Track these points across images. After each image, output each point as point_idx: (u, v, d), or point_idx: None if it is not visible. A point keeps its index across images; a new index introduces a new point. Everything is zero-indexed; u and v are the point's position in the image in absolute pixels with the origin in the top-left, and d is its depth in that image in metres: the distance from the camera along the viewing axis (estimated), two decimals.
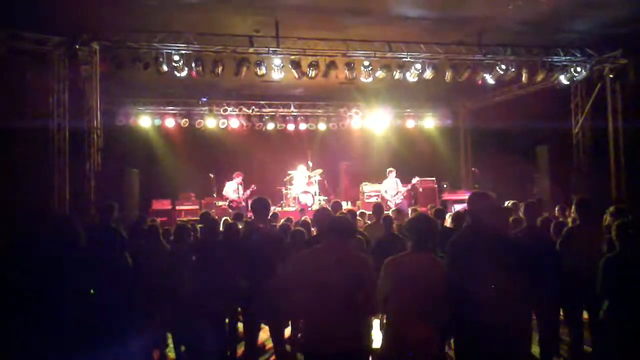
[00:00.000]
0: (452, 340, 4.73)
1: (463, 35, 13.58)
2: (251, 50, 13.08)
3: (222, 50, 12.99)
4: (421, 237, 4.58)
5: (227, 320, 7.13)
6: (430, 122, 21.58)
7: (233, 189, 16.36)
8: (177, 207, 16.78)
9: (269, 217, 7.88)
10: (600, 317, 5.47)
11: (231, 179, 16.56)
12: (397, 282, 4.41)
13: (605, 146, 15.05)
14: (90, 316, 5.48)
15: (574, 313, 6.88)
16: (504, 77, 14.44)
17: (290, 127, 20.22)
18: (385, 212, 9.95)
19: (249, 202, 13.93)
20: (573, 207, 7.39)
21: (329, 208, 9.29)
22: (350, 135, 20.76)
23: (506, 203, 10.24)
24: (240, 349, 7.33)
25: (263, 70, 13.30)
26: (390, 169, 16.84)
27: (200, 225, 8.61)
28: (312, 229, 8.60)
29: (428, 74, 14.08)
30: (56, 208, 11.84)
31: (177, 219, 15.48)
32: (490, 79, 14.52)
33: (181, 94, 18.42)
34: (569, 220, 8.90)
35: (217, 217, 14.35)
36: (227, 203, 16.32)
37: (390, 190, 16.65)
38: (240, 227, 7.83)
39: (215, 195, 17.36)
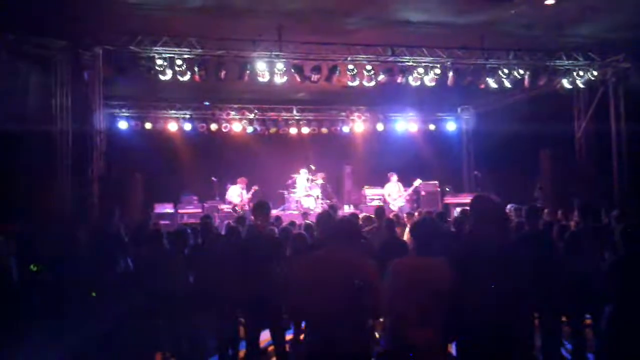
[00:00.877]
0: (455, 343, 4.71)
1: (466, 40, 13.59)
2: (254, 54, 13.10)
3: (224, 55, 13.02)
4: (425, 240, 4.58)
5: (228, 323, 7.12)
6: (432, 126, 21.56)
7: (237, 193, 16.36)
8: (180, 211, 16.76)
9: (272, 220, 7.90)
10: (603, 322, 5.45)
11: (234, 183, 16.56)
12: (402, 285, 4.40)
13: (608, 150, 15.04)
14: (91, 318, 5.50)
15: (577, 318, 6.85)
16: (506, 81, 14.45)
17: (293, 130, 20.21)
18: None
19: (252, 205, 13.93)
20: (576, 211, 7.38)
21: (332, 211, 9.29)
22: (353, 138, 20.74)
23: (508, 207, 10.26)
24: (242, 351, 7.31)
25: (266, 74, 13.31)
26: (391, 173, 16.85)
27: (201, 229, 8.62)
28: (315, 233, 8.59)
29: (430, 78, 14.10)
30: (59, 212, 11.83)
31: (180, 222, 15.47)
32: (492, 83, 14.54)
33: (184, 98, 18.44)
34: (572, 224, 8.89)
35: (219, 220, 14.40)
36: (230, 207, 16.33)
37: (393, 194, 16.65)
38: (242, 230, 7.84)
39: (218, 198, 17.36)
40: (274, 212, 13.87)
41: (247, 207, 15.86)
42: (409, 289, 4.36)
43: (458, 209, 14.59)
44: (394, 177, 16.81)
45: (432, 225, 4.78)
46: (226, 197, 16.67)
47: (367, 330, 4.54)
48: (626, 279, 5.18)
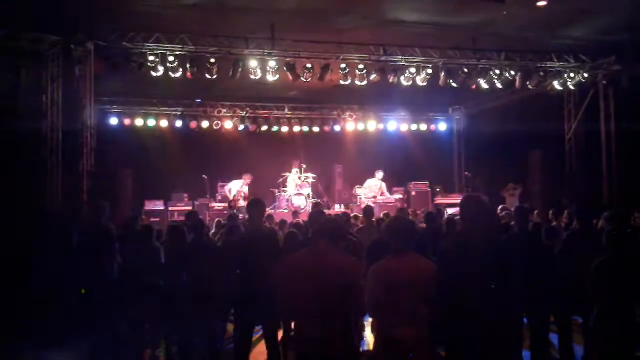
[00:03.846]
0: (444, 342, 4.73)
1: (458, 40, 13.63)
2: (246, 51, 13.09)
3: (217, 52, 13.00)
4: (399, 239, 4.58)
5: (220, 320, 7.11)
6: (424, 126, 21.58)
7: (237, 186, 16.39)
8: (170, 208, 16.74)
9: (264, 218, 7.87)
10: (590, 321, 5.49)
11: (239, 177, 16.61)
12: (384, 287, 4.39)
13: (598, 151, 15.14)
14: (80, 314, 5.48)
15: (565, 317, 6.88)
16: (498, 82, 14.50)
17: (284, 129, 20.18)
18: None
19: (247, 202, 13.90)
20: (566, 212, 7.42)
21: (323, 210, 9.30)
22: (344, 138, 20.72)
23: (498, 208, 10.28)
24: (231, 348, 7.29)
25: (258, 72, 13.30)
26: (378, 170, 17.04)
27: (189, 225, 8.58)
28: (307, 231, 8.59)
29: (422, 78, 14.13)
30: (49, 208, 11.78)
31: (170, 219, 15.45)
32: (484, 84, 14.59)
33: (175, 95, 18.38)
34: (561, 225, 8.92)
35: (209, 218, 14.39)
36: (225, 203, 16.40)
37: (369, 192, 16.86)
38: (234, 227, 7.82)
39: (208, 196, 17.34)
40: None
41: (240, 203, 15.85)
42: (392, 290, 4.35)
43: (449, 210, 14.63)
44: (379, 174, 17.03)
45: (404, 224, 4.77)
46: (225, 188, 16.71)
47: (352, 330, 4.53)
48: (610, 280, 5.22)
